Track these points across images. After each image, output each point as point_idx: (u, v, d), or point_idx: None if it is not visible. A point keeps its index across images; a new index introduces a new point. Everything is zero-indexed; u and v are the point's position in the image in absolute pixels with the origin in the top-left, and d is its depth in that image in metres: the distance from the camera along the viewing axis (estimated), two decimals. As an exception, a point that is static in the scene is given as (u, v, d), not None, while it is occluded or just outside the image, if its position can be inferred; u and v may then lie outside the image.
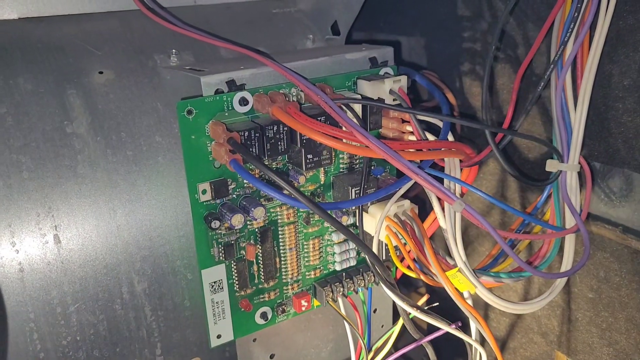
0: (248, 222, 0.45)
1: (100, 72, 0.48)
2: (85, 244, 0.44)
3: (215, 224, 0.42)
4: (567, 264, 0.45)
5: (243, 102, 0.42)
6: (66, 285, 0.43)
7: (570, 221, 0.44)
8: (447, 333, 0.47)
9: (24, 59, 0.46)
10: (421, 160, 0.44)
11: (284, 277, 0.48)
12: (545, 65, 0.43)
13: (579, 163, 0.43)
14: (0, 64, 0.45)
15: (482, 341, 0.48)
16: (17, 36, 0.48)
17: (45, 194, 0.43)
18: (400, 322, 0.50)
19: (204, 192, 0.42)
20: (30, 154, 0.43)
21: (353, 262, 0.51)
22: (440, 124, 0.46)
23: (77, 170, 0.44)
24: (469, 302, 0.46)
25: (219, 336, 0.46)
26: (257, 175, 0.43)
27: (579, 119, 0.42)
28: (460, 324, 0.46)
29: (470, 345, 0.48)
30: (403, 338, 0.55)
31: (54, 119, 0.44)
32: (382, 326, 0.61)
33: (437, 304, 0.49)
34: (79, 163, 0.44)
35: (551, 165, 0.43)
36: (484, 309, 0.61)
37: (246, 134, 0.41)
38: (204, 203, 0.42)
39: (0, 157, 0.42)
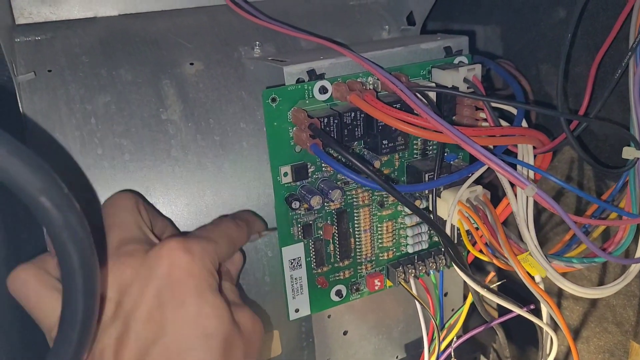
0: (325, 204, 0.47)
1: (191, 64, 0.52)
2: (177, 221, 0.48)
3: (296, 204, 0.45)
4: (642, 251, 0.44)
5: (323, 90, 0.44)
6: (161, 258, 0.47)
7: (647, 209, 0.43)
8: (517, 318, 0.48)
9: (124, 52, 0.51)
10: (494, 147, 0.45)
11: (358, 257, 0.50)
12: (623, 52, 0.43)
13: (658, 150, 0.43)
14: (104, 56, 0.50)
15: (555, 327, 0.48)
16: (118, 31, 0.52)
17: (143, 175, 0.47)
18: (469, 301, 0.51)
19: (286, 174, 0.45)
20: (131, 138, 0.47)
21: (425, 245, 0.52)
22: (514, 111, 0.46)
23: (170, 154, 0.48)
24: (541, 286, 0.46)
25: (297, 310, 0.49)
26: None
27: (658, 106, 0.42)
28: (532, 307, 0.47)
29: (542, 329, 0.49)
30: (471, 322, 0.56)
31: (150, 106, 0.49)
32: (453, 310, 0.62)
33: (505, 280, 0.50)
34: (173, 147, 0.48)
35: (627, 153, 0.43)
36: (557, 297, 0.60)
37: (325, 120, 0.43)
38: (285, 185, 0.45)
39: (106, 141, 0.46)
